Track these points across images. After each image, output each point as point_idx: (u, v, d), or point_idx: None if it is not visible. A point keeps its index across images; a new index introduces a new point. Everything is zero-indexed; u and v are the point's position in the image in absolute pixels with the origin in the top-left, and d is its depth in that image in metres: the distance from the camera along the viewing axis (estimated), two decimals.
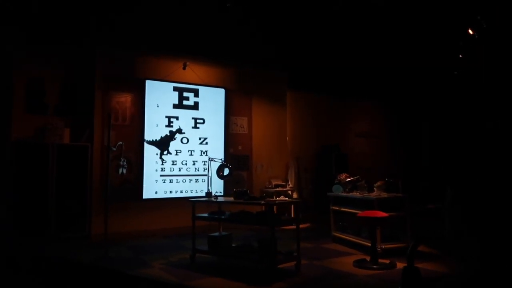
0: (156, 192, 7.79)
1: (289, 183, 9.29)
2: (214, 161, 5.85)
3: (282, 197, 5.17)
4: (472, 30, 8.66)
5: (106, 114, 7.44)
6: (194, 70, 8.43)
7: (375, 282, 4.49)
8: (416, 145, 13.24)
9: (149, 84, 7.87)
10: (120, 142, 6.31)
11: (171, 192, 7.94)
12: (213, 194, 5.88)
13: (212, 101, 8.56)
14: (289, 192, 8.89)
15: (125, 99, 7.73)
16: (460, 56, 9.83)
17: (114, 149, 6.15)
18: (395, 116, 12.73)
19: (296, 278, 4.65)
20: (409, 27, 8.66)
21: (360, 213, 5.32)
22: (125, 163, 6.41)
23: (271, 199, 5.03)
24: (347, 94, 11.51)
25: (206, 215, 5.66)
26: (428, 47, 9.55)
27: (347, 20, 8.18)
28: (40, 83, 7.44)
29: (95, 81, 7.51)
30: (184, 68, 8.33)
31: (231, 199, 5.48)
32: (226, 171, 5.62)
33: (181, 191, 8.05)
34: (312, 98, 10.77)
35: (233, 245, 5.54)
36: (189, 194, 8.09)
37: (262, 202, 4.81)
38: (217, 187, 8.32)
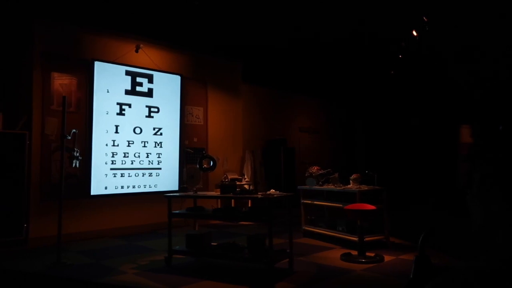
0: (106, 188, 6.92)
1: (245, 176, 8.97)
2: (189, 151, 5.30)
3: (272, 190, 4.83)
4: (416, 32, 9.10)
5: (46, 98, 6.45)
6: (147, 53, 7.66)
7: (376, 276, 4.39)
8: (351, 141, 13.84)
9: (98, 66, 6.94)
10: (74, 130, 5.43)
11: (122, 187, 7.13)
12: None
13: (167, 88, 7.87)
14: (246, 186, 8.56)
15: (70, 82, 6.73)
16: (400, 56, 10.35)
17: (69, 137, 5.26)
18: (334, 112, 13.11)
19: (295, 277, 4.36)
20: (354, 24, 8.91)
21: (347, 206, 5.20)
22: (78, 154, 5.53)
23: (263, 193, 4.67)
24: (292, 89, 11.54)
25: (184, 211, 5.10)
26: (370, 47, 9.94)
27: (294, 15, 8.19)
28: None
29: (33, 59, 6.41)
30: (137, 51, 7.53)
31: (214, 193, 5.00)
32: (212, 163, 5.11)
33: (134, 186, 7.28)
34: (260, 91, 10.57)
35: (213, 244, 5.08)
36: (142, 190, 7.38)
37: (260, 196, 4.42)
38: (171, 181, 7.73)
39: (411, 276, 3.84)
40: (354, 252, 5.22)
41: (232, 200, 7.84)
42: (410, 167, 11.94)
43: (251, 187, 8.71)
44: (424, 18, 8.66)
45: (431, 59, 10.40)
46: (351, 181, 6.08)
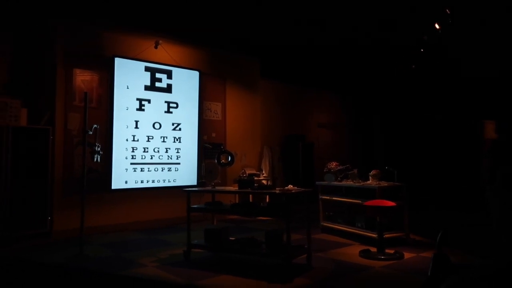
0: (126, 182, 7.03)
1: (263, 172, 8.98)
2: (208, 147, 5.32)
3: (290, 186, 4.82)
4: (439, 25, 8.88)
5: (69, 94, 6.58)
6: (166, 49, 7.72)
7: (395, 273, 4.34)
8: (370, 136, 13.65)
9: (119, 62, 7.04)
10: (95, 125, 5.53)
11: (142, 182, 7.23)
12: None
13: (186, 84, 7.92)
14: (264, 181, 8.57)
15: (91, 78, 6.85)
16: (422, 50, 10.13)
17: (91, 132, 5.37)
18: (353, 107, 12.96)
19: (313, 272, 4.35)
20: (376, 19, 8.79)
21: (367, 202, 5.15)
22: (99, 149, 5.63)
23: (281, 188, 4.67)
24: (311, 85, 11.45)
25: (202, 206, 5.14)
26: (391, 40, 9.77)
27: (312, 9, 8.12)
28: None
29: (56, 57, 6.54)
30: (156, 47, 7.60)
31: (232, 188, 5.03)
32: (230, 158, 5.14)
33: (153, 181, 7.37)
34: (279, 86, 10.54)
35: (231, 238, 5.10)
36: (161, 184, 7.46)
37: (278, 191, 4.42)
38: (190, 176, 7.80)
39: (429, 274, 3.79)
40: (373, 249, 5.17)
41: (250, 196, 7.88)
42: (431, 164, 11.73)
43: (269, 183, 8.72)
44: (447, 10, 8.45)
45: (453, 53, 10.17)
46: (370, 177, 6.01)
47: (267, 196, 8.10)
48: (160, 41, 7.60)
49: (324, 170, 6.66)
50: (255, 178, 8.20)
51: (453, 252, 4.79)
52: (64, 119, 6.53)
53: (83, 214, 5.22)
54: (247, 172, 8.60)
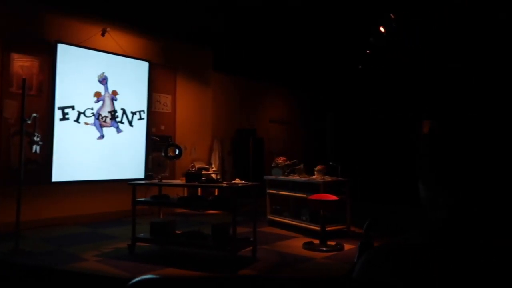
0: (68, 174, 6.74)
1: (213, 166, 8.97)
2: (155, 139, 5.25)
3: (237, 180, 4.86)
4: (383, 28, 9.30)
5: (5, 80, 6.20)
6: (114, 38, 7.47)
7: (334, 263, 4.54)
8: (321, 132, 14.01)
9: (62, 49, 6.72)
10: (35, 114, 5.26)
11: (86, 174, 6.97)
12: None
13: (134, 74, 7.72)
14: (213, 175, 8.56)
15: (31, 64, 6.48)
16: (368, 51, 10.55)
17: (29, 121, 5.10)
18: (306, 104, 13.24)
19: (258, 264, 4.45)
20: (324, 21, 9.09)
21: (310, 196, 5.32)
22: (39, 139, 5.37)
23: (228, 182, 4.70)
24: (263, 79, 11.56)
25: (148, 199, 5.06)
26: (341, 40, 10.10)
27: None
28: None
29: None
30: (103, 35, 7.33)
31: (178, 181, 5.00)
32: (177, 152, 5.09)
33: (98, 173, 7.13)
34: (231, 80, 10.54)
35: (177, 232, 5.08)
36: (106, 177, 7.24)
37: (225, 184, 4.45)
38: (137, 169, 7.64)
39: (355, 260, 4.01)
40: (316, 241, 5.36)
41: (199, 189, 7.86)
42: (377, 160, 12.25)
43: (218, 177, 8.73)
44: (392, 15, 8.85)
45: (398, 55, 10.66)
46: (315, 172, 6.20)
47: (216, 190, 8.11)
48: (108, 29, 7.34)
49: (272, 165, 6.78)
50: (204, 172, 8.20)
51: (384, 240, 5.07)
52: (0, 106, 6.14)
53: (19, 207, 4.96)
54: (196, 166, 8.56)
